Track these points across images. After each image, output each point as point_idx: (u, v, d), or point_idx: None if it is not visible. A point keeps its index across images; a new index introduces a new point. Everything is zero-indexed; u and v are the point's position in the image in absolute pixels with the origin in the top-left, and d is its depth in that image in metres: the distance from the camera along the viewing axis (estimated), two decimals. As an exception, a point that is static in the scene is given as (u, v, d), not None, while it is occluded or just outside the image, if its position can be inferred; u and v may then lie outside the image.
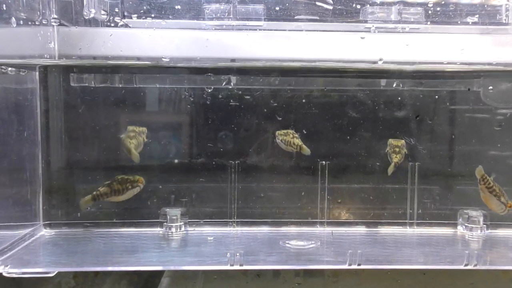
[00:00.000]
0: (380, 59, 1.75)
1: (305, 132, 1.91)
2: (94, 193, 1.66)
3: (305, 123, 1.96)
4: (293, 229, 1.92)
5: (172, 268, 1.48)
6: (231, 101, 1.93)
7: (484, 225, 1.94)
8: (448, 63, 1.79)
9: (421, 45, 1.80)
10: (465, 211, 1.96)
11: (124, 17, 1.73)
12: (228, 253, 1.49)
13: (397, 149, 1.81)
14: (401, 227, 1.98)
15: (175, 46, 1.73)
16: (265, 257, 1.60)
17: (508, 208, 1.79)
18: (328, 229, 1.94)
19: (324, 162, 1.94)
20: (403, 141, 1.84)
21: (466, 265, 1.57)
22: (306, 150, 1.83)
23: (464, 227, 1.95)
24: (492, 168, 2.03)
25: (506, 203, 1.78)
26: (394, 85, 1.98)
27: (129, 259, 1.49)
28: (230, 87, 1.91)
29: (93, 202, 1.67)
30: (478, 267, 1.57)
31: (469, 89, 1.95)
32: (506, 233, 1.93)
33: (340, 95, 2.00)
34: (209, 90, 1.91)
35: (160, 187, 1.93)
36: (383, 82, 1.99)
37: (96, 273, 1.78)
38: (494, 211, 1.81)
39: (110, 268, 1.45)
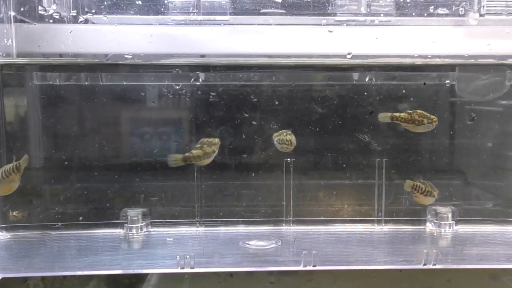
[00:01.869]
0: (349, 53, 1.70)
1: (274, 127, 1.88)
2: (187, 154, 1.64)
3: (273, 119, 1.92)
4: (258, 229, 1.89)
5: (115, 272, 1.45)
6: (199, 98, 1.89)
7: (453, 221, 1.90)
8: (419, 56, 1.75)
9: (391, 38, 1.76)
10: (434, 207, 1.92)
11: (84, 13, 1.70)
12: (178, 256, 1.46)
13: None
14: (369, 224, 1.94)
15: (137, 42, 1.69)
16: (220, 258, 1.57)
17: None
18: (294, 228, 1.90)
19: (289, 159, 1.90)
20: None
21: (424, 264, 1.53)
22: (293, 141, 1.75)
23: (432, 223, 1.90)
24: (464, 162, 2.00)
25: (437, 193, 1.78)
26: (367, 79, 1.93)
27: (76, 263, 1.47)
28: (199, 83, 1.88)
29: (183, 163, 1.64)
30: (437, 267, 1.53)
31: (424, 84, 1.90)
32: (474, 229, 1.89)
33: (308, 90, 1.96)
34: (177, 87, 1.88)
35: (125, 186, 1.91)
36: (355, 76, 1.95)
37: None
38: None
39: (53, 274, 1.42)
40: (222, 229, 1.87)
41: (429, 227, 1.91)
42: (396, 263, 1.56)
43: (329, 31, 1.74)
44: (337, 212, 1.96)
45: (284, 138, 1.75)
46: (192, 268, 1.46)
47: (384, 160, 1.93)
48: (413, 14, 1.75)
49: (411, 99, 1.94)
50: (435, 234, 1.87)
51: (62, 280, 1.79)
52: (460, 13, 1.74)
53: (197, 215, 1.87)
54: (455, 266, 1.53)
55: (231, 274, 1.75)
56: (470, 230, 1.89)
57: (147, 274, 1.66)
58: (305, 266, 1.52)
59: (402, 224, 1.95)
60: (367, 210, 1.94)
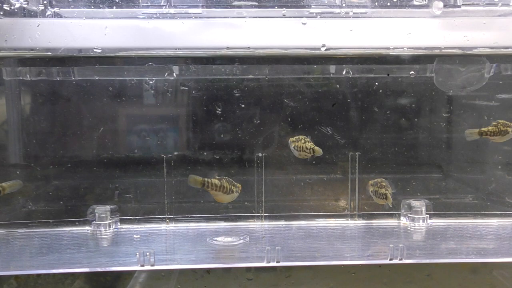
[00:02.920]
0: (323, 46, 1.67)
1: (256, 122, 1.84)
2: (206, 179, 1.65)
3: (246, 114, 1.89)
4: (229, 225, 1.86)
5: (72, 271, 1.43)
6: (169, 92, 1.87)
7: (427, 215, 1.87)
8: (395, 48, 1.71)
9: (366, 30, 1.72)
10: (407, 201, 1.89)
11: (53, 6, 1.67)
12: (137, 253, 1.43)
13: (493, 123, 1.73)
14: (343, 219, 1.91)
15: (107, 35, 1.66)
16: (183, 255, 1.54)
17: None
18: (267, 224, 1.88)
19: (260, 154, 1.87)
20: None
21: (391, 259, 1.50)
22: (319, 151, 1.71)
23: (407, 217, 1.88)
24: (436, 156, 1.97)
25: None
26: (344, 72, 1.90)
27: (34, 262, 1.45)
28: (172, 78, 1.85)
29: (201, 186, 1.65)
30: (404, 261, 1.50)
31: (388, 75, 1.87)
32: (448, 222, 1.86)
33: (281, 84, 1.93)
34: (151, 82, 1.85)
35: (95, 183, 1.89)
36: (332, 69, 1.92)
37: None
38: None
39: (7, 273, 1.40)
40: (193, 225, 1.85)
41: (403, 221, 1.88)
42: (362, 258, 1.53)
43: (303, 23, 1.71)
44: (309, 207, 1.93)
45: (303, 146, 1.72)
46: (152, 265, 1.43)
47: (357, 153, 1.90)
48: (388, 4, 1.71)
49: (386, 92, 1.91)
50: (409, 228, 1.84)
51: (36, 278, 1.77)
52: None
53: (167, 211, 1.84)
54: (422, 261, 1.50)
55: (208, 270, 1.73)
56: (444, 224, 1.86)
57: (129, 272, 1.64)
58: (268, 262, 1.49)
59: (377, 218, 1.92)
60: (341, 204, 1.91)
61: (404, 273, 1.70)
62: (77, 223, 1.81)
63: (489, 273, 1.62)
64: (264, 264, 1.48)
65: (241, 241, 1.68)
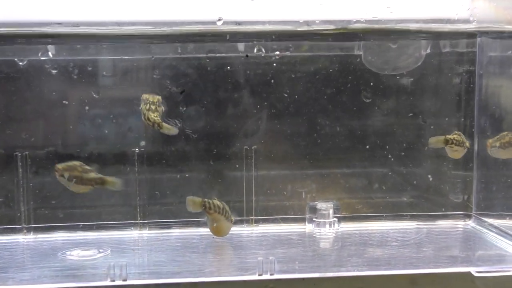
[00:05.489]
0: (219, 19, 1.39)
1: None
2: (206, 200, 1.37)
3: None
4: (100, 234, 1.58)
5: None
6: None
7: (335, 219, 1.58)
8: (305, 22, 1.43)
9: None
10: (313, 203, 1.61)
11: None
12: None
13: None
14: (238, 225, 1.62)
15: None
16: (16, 274, 1.26)
17: None
18: (146, 233, 1.59)
19: (136, 149, 1.59)
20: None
21: (260, 275, 1.21)
22: (167, 128, 1.40)
23: (312, 222, 1.59)
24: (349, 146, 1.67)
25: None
26: (255, 50, 1.61)
27: None
28: (47, 58, 1.56)
29: (201, 208, 1.37)
30: (275, 277, 1.21)
31: (247, 56, 1.58)
32: (358, 227, 1.57)
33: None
34: (22, 63, 1.56)
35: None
36: (241, 47, 1.63)
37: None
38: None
39: None
40: (56, 236, 1.56)
41: (310, 226, 1.60)
42: (227, 274, 1.24)
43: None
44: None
45: (146, 114, 1.40)
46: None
47: (253, 148, 1.61)
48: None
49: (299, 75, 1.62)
50: (315, 234, 1.56)
51: None
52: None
53: (24, 220, 1.56)
54: (298, 276, 1.20)
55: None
56: (353, 228, 1.57)
57: None
58: (113, 280, 1.20)
59: (279, 223, 1.63)
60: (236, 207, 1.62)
61: (332, 286, 1.39)
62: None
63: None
64: (101, 283, 1.19)
65: (100, 254, 1.39)
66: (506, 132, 1.47)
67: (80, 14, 1.44)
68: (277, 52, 1.59)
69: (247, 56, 1.57)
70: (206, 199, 1.37)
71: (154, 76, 1.60)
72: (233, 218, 1.45)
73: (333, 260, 1.32)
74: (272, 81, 1.61)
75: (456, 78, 1.67)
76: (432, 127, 1.66)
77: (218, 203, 1.39)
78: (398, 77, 1.64)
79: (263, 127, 1.63)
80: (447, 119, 1.67)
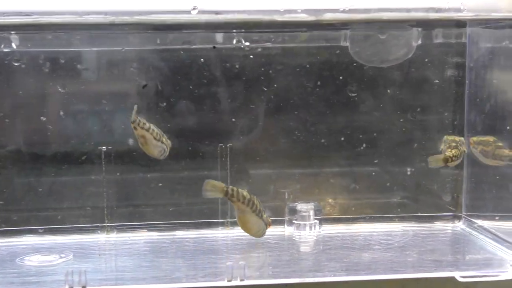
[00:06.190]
0: (194, 8, 1.28)
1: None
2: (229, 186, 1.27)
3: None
4: (70, 238, 1.48)
5: None
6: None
7: (316, 221, 1.48)
8: (286, 11, 1.33)
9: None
10: (292, 204, 1.51)
11: None
12: None
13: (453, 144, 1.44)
14: (213, 228, 1.52)
15: None
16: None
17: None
18: (114, 237, 1.49)
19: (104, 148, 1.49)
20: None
21: (229, 281, 1.11)
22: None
23: (292, 224, 1.50)
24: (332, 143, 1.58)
25: None
26: (235, 41, 1.52)
27: None
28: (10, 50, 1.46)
29: (222, 194, 1.26)
30: (245, 283, 1.11)
31: (214, 47, 1.49)
32: (339, 229, 1.48)
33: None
34: None
35: None
36: (219, 38, 1.53)
37: None
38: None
39: None
40: (15, 240, 1.46)
41: (289, 229, 1.50)
42: (195, 280, 1.14)
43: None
44: (172, 214, 1.55)
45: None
46: None
47: (228, 146, 1.51)
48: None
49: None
50: (294, 238, 1.46)
51: None
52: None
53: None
54: (270, 282, 1.11)
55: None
56: (336, 231, 1.48)
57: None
58: (71, 287, 1.10)
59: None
60: (206, 211, 1.53)
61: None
62: None
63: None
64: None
65: (61, 260, 1.30)
66: (492, 139, 1.39)
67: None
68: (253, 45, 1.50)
69: (214, 47, 1.47)
70: (230, 186, 1.26)
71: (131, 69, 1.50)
72: (269, 219, 1.33)
73: (310, 265, 1.23)
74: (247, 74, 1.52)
75: (448, 71, 1.58)
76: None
77: (246, 193, 1.26)
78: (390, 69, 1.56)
79: (240, 123, 1.54)
80: (437, 115, 1.59)
